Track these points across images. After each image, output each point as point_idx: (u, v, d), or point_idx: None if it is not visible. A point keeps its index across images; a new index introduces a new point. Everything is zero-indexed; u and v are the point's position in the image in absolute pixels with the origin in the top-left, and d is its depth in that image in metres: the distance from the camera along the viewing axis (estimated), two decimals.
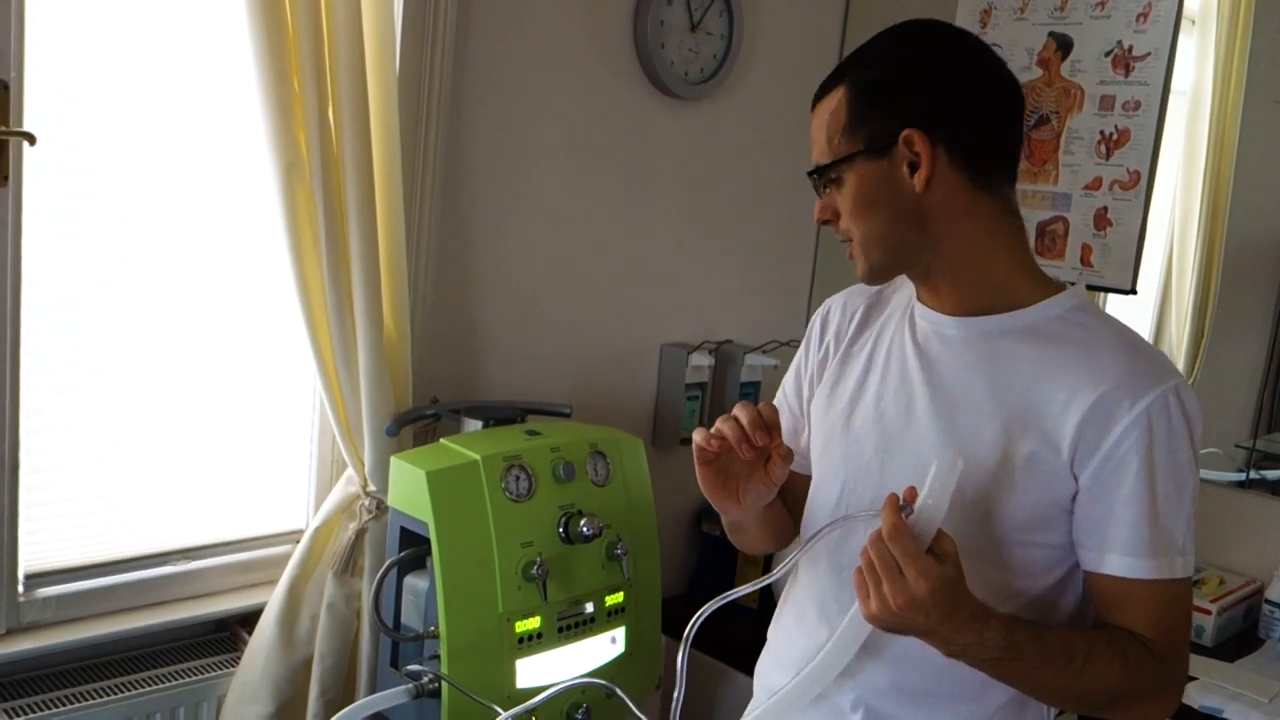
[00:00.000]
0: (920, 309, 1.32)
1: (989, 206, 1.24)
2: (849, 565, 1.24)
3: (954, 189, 1.21)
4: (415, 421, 2.07)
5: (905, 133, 1.19)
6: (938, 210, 1.22)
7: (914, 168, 1.20)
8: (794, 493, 1.45)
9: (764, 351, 2.67)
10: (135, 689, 1.88)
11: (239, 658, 2.00)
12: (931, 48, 1.24)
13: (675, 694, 1.25)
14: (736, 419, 1.22)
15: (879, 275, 1.29)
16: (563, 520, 1.91)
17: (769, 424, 1.22)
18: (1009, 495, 1.19)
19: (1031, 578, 1.22)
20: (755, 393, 2.69)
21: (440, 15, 2.00)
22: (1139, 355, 1.20)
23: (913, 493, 1.11)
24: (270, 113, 1.79)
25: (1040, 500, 1.19)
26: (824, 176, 1.25)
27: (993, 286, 1.25)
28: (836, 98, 1.24)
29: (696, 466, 1.28)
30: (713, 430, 1.24)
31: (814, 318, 1.47)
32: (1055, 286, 1.27)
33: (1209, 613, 2.18)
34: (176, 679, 1.93)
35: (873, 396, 1.32)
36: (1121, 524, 1.16)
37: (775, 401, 1.51)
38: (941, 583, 1.06)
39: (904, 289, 1.38)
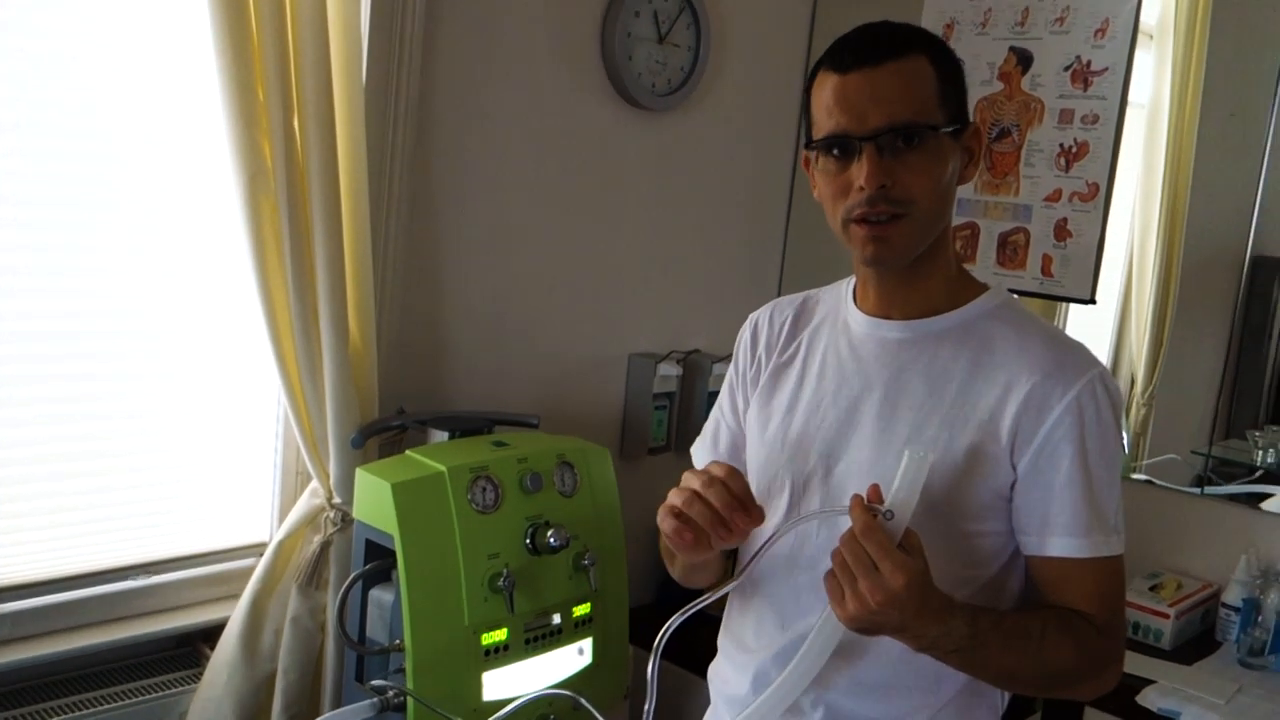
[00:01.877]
0: (855, 315, 1.34)
1: None
2: (804, 567, 1.28)
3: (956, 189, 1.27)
4: (381, 433, 2.06)
5: (975, 123, 1.26)
6: (951, 206, 1.28)
7: (966, 160, 1.26)
8: None
9: (731, 361, 2.68)
10: (96, 706, 1.86)
11: (201, 673, 1.98)
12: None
13: (646, 706, 1.25)
14: (704, 496, 1.18)
15: (902, 258, 1.25)
16: (529, 531, 1.91)
17: (741, 497, 1.18)
18: (956, 488, 1.22)
19: (981, 566, 1.26)
20: None
21: (407, 26, 2.00)
22: (1064, 347, 1.26)
23: (876, 491, 1.13)
24: (234, 122, 1.78)
25: (984, 490, 1.23)
26: (918, 132, 1.19)
27: (937, 288, 1.29)
28: (920, 64, 1.21)
29: (666, 536, 1.23)
30: (680, 505, 1.20)
31: (742, 331, 1.48)
32: (980, 286, 1.32)
33: (1167, 617, 2.21)
34: (138, 695, 1.91)
35: (810, 404, 1.33)
36: (1062, 507, 1.21)
37: (712, 419, 1.52)
38: (916, 576, 1.09)
39: (827, 300, 1.41)
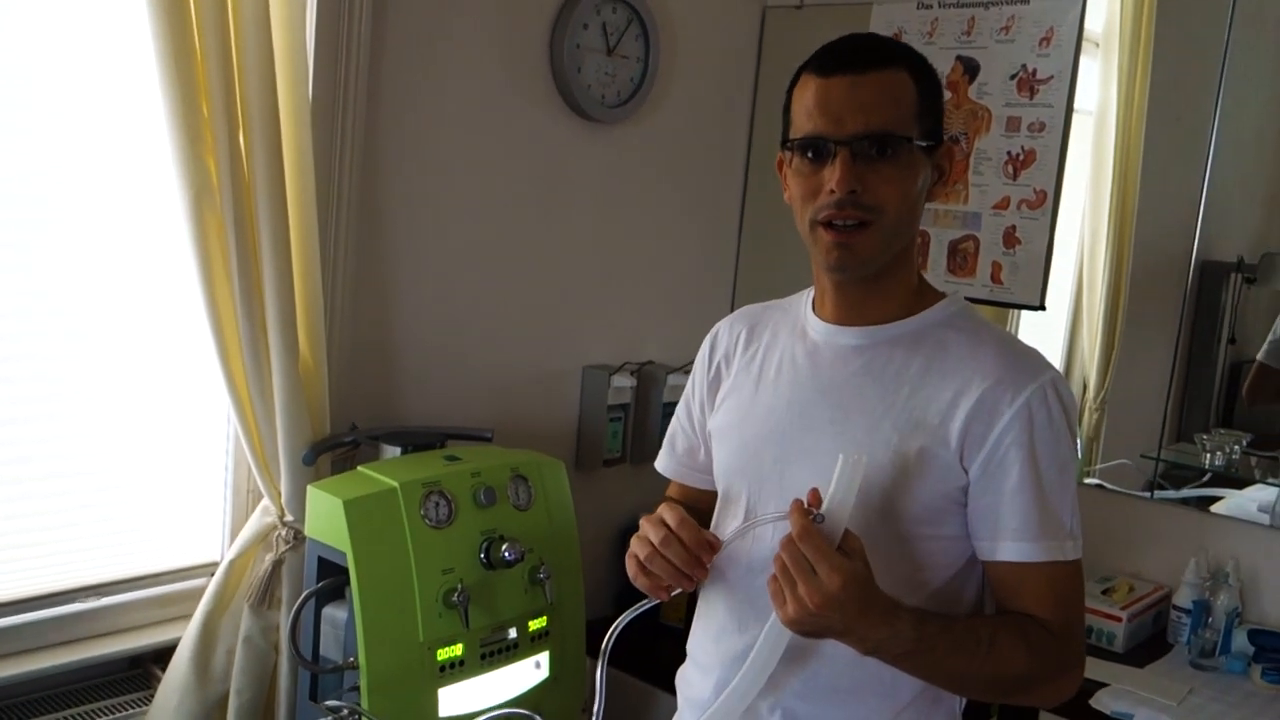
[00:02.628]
0: (814, 323, 1.36)
1: None
2: (759, 570, 1.28)
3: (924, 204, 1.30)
4: (333, 449, 2.04)
5: (948, 143, 1.28)
6: (919, 220, 1.30)
7: (937, 176, 1.28)
8: (701, 508, 1.50)
9: (685, 372, 2.66)
10: None
11: (153, 695, 1.95)
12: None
13: (595, 707, 1.27)
14: (663, 554, 1.23)
15: (868, 265, 1.26)
16: (484, 546, 1.90)
17: (694, 548, 1.23)
18: (906, 491, 1.24)
19: (934, 570, 1.27)
20: None
21: (353, 40, 1.99)
22: (1016, 353, 1.28)
23: (816, 495, 1.15)
24: (178, 138, 1.76)
25: (935, 493, 1.24)
26: (895, 142, 1.21)
27: (900, 296, 1.31)
28: (901, 77, 1.23)
29: (639, 588, 1.28)
30: (644, 560, 1.25)
31: (704, 343, 1.51)
32: (937, 294, 1.34)
33: (1119, 620, 2.23)
34: (89, 719, 1.88)
35: (766, 409, 1.35)
36: (1013, 512, 1.22)
37: (672, 425, 1.55)
38: (853, 577, 1.10)
39: (783, 311, 1.43)
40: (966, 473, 1.23)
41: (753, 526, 1.28)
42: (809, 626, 1.13)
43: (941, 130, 1.29)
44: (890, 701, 1.28)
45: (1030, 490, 1.21)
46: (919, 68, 1.26)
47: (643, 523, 1.27)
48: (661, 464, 1.57)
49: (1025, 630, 1.22)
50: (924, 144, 1.25)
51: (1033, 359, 1.27)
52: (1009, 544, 1.23)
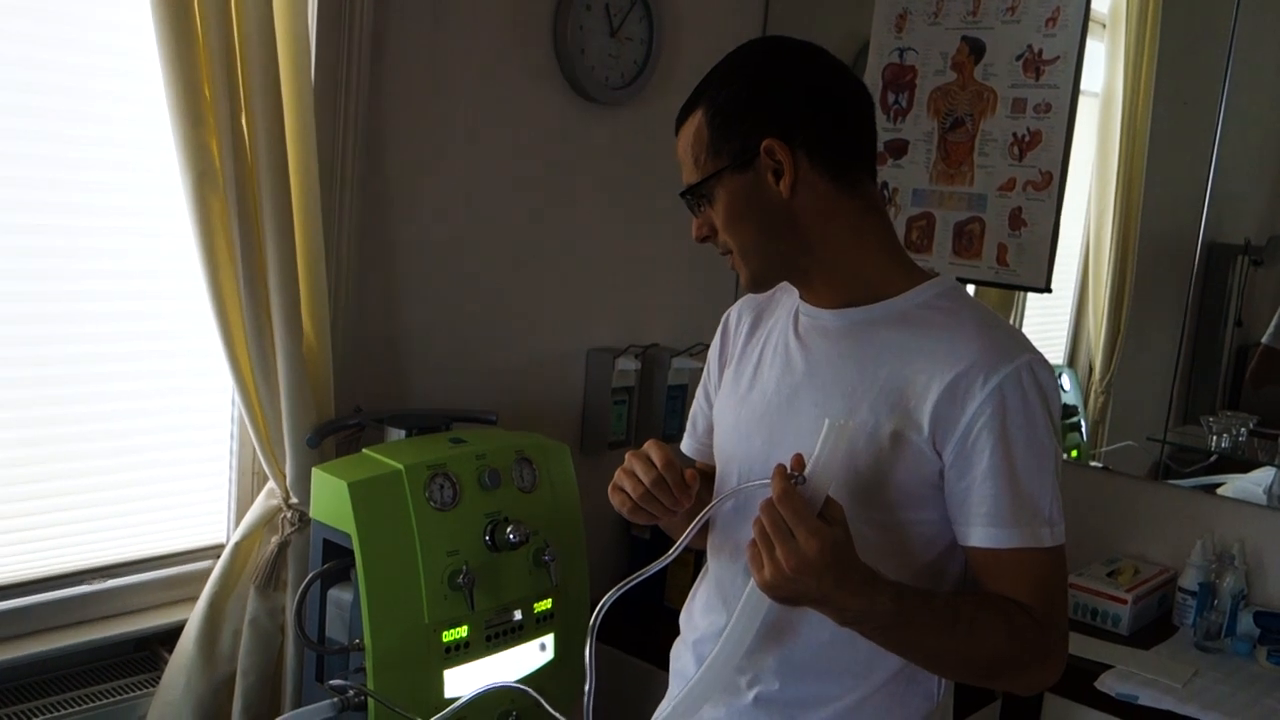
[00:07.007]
0: (803, 306, 1.37)
1: (852, 205, 1.28)
2: (744, 545, 1.29)
3: (818, 192, 1.26)
4: (337, 432, 2.04)
5: (765, 142, 1.24)
6: (806, 214, 1.27)
7: (778, 175, 1.25)
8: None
9: (690, 355, 2.68)
10: (54, 711, 1.84)
11: (160, 677, 1.96)
12: (779, 61, 1.29)
13: (586, 687, 1.27)
14: (634, 474, 1.31)
15: (761, 283, 1.34)
16: (489, 528, 1.90)
17: (664, 472, 1.29)
18: (882, 475, 1.24)
19: (917, 552, 1.27)
20: (682, 396, 2.70)
21: (356, 21, 1.98)
22: (995, 335, 1.25)
23: (799, 460, 1.15)
24: (180, 121, 1.76)
25: (910, 479, 1.23)
26: (695, 195, 1.30)
27: (865, 280, 1.30)
28: (696, 120, 1.28)
29: (615, 501, 1.35)
30: (614, 481, 1.34)
31: (720, 326, 1.53)
32: (924, 275, 1.32)
33: (1124, 602, 2.23)
34: (95, 700, 1.89)
35: (760, 391, 1.37)
36: (983, 498, 1.21)
37: (692, 410, 1.58)
38: (831, 542, 1.09)
39: (787, 294, 1.43)
40: (941, 457, 1.22)
41: (735, 494, 1.31)
42: (785, 592, 1.12)
43: (757, 137, 1.24)
44: (865, 682, 1.28)
45: (1002, 475, 1.20)
46: (714, 94, 1.28)
47: (630, 458, 1.32)
48: (685, 445, 1.59)
49: (1008, 613, 1.20)
50: (728, 167, 1.26)
51: (1011, 341, 1.25)
52: (980, 529, 1.21)
